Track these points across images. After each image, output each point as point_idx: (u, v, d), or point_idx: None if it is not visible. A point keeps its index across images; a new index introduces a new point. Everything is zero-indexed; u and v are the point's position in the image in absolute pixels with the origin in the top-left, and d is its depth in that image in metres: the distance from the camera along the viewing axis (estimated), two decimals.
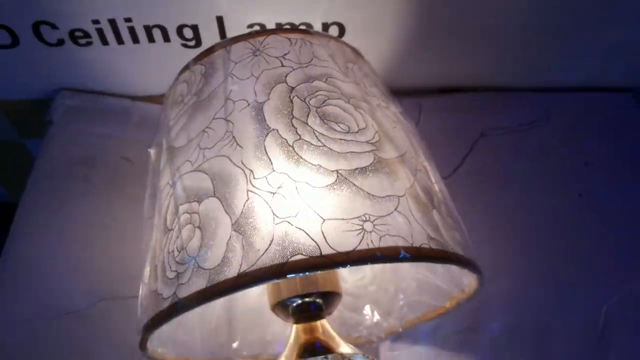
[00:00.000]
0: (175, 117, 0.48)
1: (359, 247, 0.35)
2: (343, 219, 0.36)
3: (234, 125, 0.42)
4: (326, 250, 0.35)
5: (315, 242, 0.35)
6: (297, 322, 0.46)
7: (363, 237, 0.36)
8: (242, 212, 0.37)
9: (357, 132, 0.42)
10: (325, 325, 0.46)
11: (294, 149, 0.39)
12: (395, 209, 0.38)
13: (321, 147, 0.40)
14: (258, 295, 0.58)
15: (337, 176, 0.38)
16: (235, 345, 0.56)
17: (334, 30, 0.69)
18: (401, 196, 0.39)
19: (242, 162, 0.39)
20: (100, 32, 0.67)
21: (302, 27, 0.68)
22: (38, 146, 0.79)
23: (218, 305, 0.57)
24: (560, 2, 0.67)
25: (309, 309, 0.46)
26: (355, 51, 0.53)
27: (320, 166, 0.39)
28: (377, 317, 0.58)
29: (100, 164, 0.69)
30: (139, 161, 0.68)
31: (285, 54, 0.46)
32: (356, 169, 0.39)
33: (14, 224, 0.64)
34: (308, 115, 0.41)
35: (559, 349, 0.58)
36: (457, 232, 0.43)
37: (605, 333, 0.59)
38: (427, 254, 0.37)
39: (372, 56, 0.60)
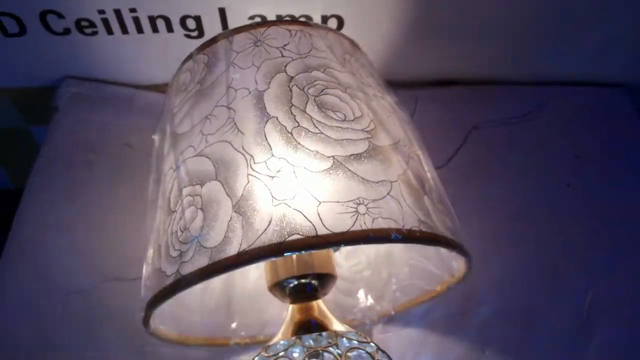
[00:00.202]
0: (179, 105, 0.50)
1: (353, 229, 0.37)
2: (338, 202, 0.38)
3: (235, 112, 0.44)
4: (322, 231, 0.37)
5: (312, 223, 0.37)
6: (293, 302, 0.48)
7: (357, 219, 0.38)
8: (242, 195, 0.39)
9: (353, 120, 0.44)
10: (320, 305, 0.48)
11: (292, 135, 0.41)
12: (388, 194, 0.40)
13: (318, 134, 0.41)
14: (256, 279, 0.60)
15: (333, 162, 0.40)
16: (233, 325, 0.58)
17: (332, 23, 0.70)
18: (394, 181, 0.41)
19: (242, 148, 0.41)
20: (105, 22, 0.69)
21: (302, 19, 0.70)
22: (43, 133, 0.81)
23: (217, 288, 0.59)
24: None
25: (305, 289, 0.48)
26: (352, 43, 0.55)
27: (317, 152, 0.40)
28: (370, 300, 0.60)
29: (103, 150, 0.71)
30: (142, 148, 0.70)
31: (285, 45, 0.48)
32: (351, 155, 0.41)
33: (20, 207, 0.66)
34: (306, 104, 0.43)
35: (544, 333, 0.60)
36: (448, 217, 0.45)
37: (590, 319, 0.61)
38: (417, 236, 0.39)
39: (369, 48, 0.62)
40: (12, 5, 0.66)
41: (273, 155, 0.40)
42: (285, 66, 0.46)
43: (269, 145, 0.41)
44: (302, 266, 0.47)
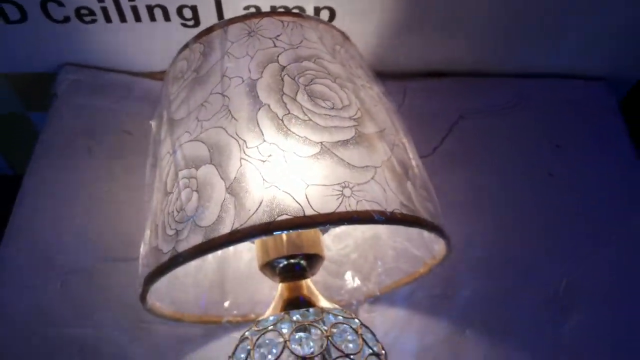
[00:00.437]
0: (176, 92, 0.52)
1: (338, 210, 0.39)
2: (325, 185, 0.41)
3: (229, 99, 0.46)
4: (309, 212, 0.39)
5: (300, 204, 0.39)
6: (282, 281, 0.51)
7: (342, 201, 0.40)
8: (235, 177, 0.41)
9: (341, 108, 0.46)
10: (308, 284, 0.51)
11: (283, 122, 0.43)
12: (372, 178, 0.42)
13: (308, 121, 0.44)
14: (248, 261, 0.62)
15: (321, 147, 0.42)
16: (226, 304, 0.61)
17: (325, 14, 0.72)
18: (378, 167, 0.44)
19: (236, 133, 0.43)
20: (104, 10, 0.70)
21: (295, 10, 0.72)
22: (42, 119, 0.83)
23: (211, 269, 0.61)
24: None
25: (294, 269, 0.50)
26: (343, 35, 0.57)
27: (307, 138, 0.43)
28: (357, 282, 0.63)
29: (102, 135, 0.73)
30: (139, 134, 0.72)
31: (278, 36, 0.50)
32: (338, 141, 0.43)
33: (21, 189, 0.68)
34: (297, 92, 0.45)
35: (523, 314, 0.63)
36: (430, 202, 0.48)
37: (565, 302, 0.64)
38: (398, 218, 0.42)
39: (360, 40, 0.64)
40: None
41: (265, 141, 0.43)
42: (278, 56, 0.48)
43: (261, 131, 0.43)
44: (291, 247, 0.49)
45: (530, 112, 0.78)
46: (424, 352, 0.60)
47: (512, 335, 0.62)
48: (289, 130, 0.43)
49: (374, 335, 0.47)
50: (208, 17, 0.72)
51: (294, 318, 0.46)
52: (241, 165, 0.42)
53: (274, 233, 0.40)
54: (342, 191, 0.41)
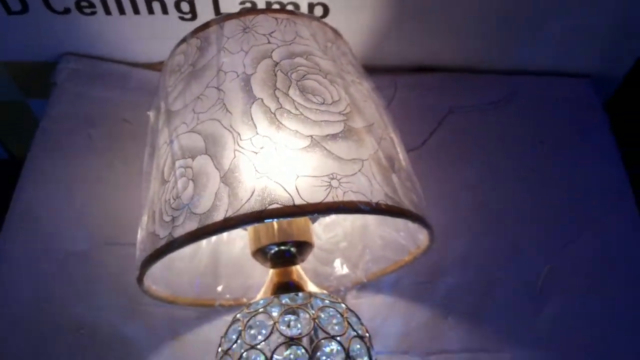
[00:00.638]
0: (173, 84, 0.54)
1: (326, 200, 0.42)
2: (314, 176, 0.43)
3: (224, 93, 0.48)
4: (298, 201, 0.41)
5: (290, 194, 0.42)
6: (273, 266, 0.53)
7: (330, 192, 0.42)
8: (229, 168, 0.44)
9: (331, 103, 0.48)
10: (298, 270, 0.53)
11: (275, 116, 0.46)
12: (359, 171, 0.45)
13: (299, 116, 0.46)
14: (241, 248, 0.65)
15: (311, 140, 0.45)
16: (219, 289, 0.63)
17: (318, 11, 0.74)
18: (365, 160, 0.46)
19: (230, 126, 0.46)
20: (104, 2, 0.72)
21: (290, 6, 0.74)
22: (40, 106, 0.84)
23: (205, 254, 0.63)
24: None
25: (284, 255, 0.52)
26: (335, 32, 0.59)
27: (297, 131, 0.45)
28: (345, 269, 0.65)
29: (101, 124, 0.75)
30: (137, 122, 0.74)
31: (272, 32, 0.52)
32: (328, 135, 0.45)
33: (22, 175, 0.70)
34: (289, 88, 0.47)
35: (502, 302, 0.65)
36: (414, 194, 0.50)
37: (543, 291, 0.67)
38: (383, 208, 0.44)
39: (353, 35, 0.65)
40: None
41: (257, 134, 0.45)
42: (272, 52, 0.50)
43: (254, 124, 0.45)
44: (282, 234, 0.52)
45: (517, 108, 0.81)
46: (408, 336, 0.63)
47: (492, 321, 0.65)
48: (281, 123, 0.45)
49: (358, 318, 0.49)
50: (205, 11, 0.74)
51: (284, 301, 0.48)
52: (235, 157, 0.44)
53: (265, 221, 0.42)
54: (330, 182, 0.43)
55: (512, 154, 0.77)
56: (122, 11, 0.73)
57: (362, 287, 0.66)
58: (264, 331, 0.46)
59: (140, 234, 0.51)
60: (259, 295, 0.52)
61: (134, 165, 0.67)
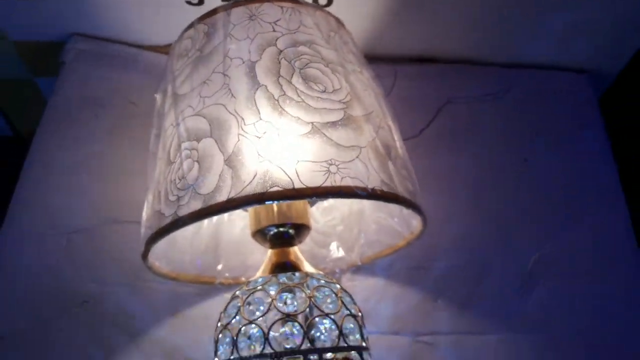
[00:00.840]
0: (180, 68, 0.55)
1: (324, 184, 0.44)
2: (313, 162, 0.45)
3: (230, 79, 0.50)
4: (298, 185, 0.43)
5: (290, 178, 0.44)
6: (272, 247, 0.55)
7: (328, 177, 0.44)
8: (233, 151, 0.46)
9: (332, 92, 0.50)
10: (295, 251, 0.55)
11: (278, 102, 0.47)
12: (357, 157, 0.47)
13: (301, 103, 0.48)
14: (242, 228, 0.67)
15: (312, 127, 0.47)
16: (219, 267, 0.66)
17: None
18: (363, 147, 0.48)
19: (235, 110, 0.47)
20: None
21: None
22: (48, 85, 0.86)
23: (207, 234, 0.65)
24: None
25: (282, 237, 0.55)
26: (338, 21, 0.61)
27: (299, 118, 0.47)
28: (341, 252, 0.67)
29: (107, 104, 0.76)
30: (143, 104, 0.76)
31: (277, 21, 0.54)
32: (328, 122, 0.47)
33: (30, 152, 0.72)
34: (292, 75, 0.49)
35: (491, 287, 0.68)
36: (409, 182, 0.52)
37: (531, 277, 0.69)
38: (378, 194, 0.46)
39: (356, 24, 0.66)
40: None
41: (261, 119, 0.47)
42: (276, 40, 0.52)
43: (258, 110, 0.47)
44: (281, 216, 0.54)
45: (514, 101, 0.83)
46: (399, 318, 0.66)
47: (480, 306, 0.68)
48: (284, 110, 0.47)
49: (352, 299, 0.52)
50: None
51: (281, 280, 0.50)
52: (239, 140, 0.46)
53: (266, 202, 0.44)
54: (328, 168, 0.45)
55: (507, 145, 0.79)
56: None
57: (357, 269, 0.68)
58: (262, 307, 0.48)
59: (145, 212, 0.53)
60: (258, 274, 0.54)
61: (139, 145, 0.69)
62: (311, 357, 0.46)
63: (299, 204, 0.55)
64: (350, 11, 0.75)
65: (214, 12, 0.56)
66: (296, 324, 0.47)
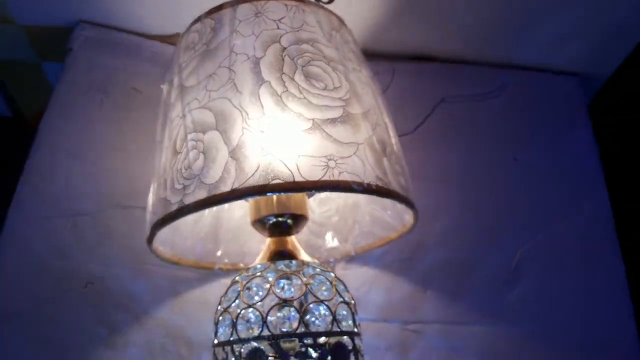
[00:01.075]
0: (187, 61, 0.57)
1: (323, 178, 0.46)
2: (313, 156, 0.47)
3: (235, 74, 0.52)
4: (298, 178, 0.46)
5: (291, 171, 0.46)
6: (270, 236, 0.58)
7: (327, 171, 0.47)
8: (237, 144, 0.48)
9: (333, 89, 0.52)
10: (293, 240, 0.58)
11: (281, 98, 0.50)
12: (354, 153, 0.49)
13: (302, 99, 0.50)
14: (241, 217, 0.69)
15: (313, 123, 0.49)
16: (219, 253, 0.68)
17: None
18: (360, 144, 0.50)
19: (240, 105, 0.50)
20: None
21: None
22: (54, 70, 0.88)
23: (207, 221, 0.68)
24: None
25: (281, 226, 0.57)
26: (340, 20, 0.63)
27: (301, 114, 0.49)
28: (336, 242, 0.70)
29: (112, 91, 0.78)
30: (147, 92, 0.77)
31: (282, 18, 0.56)
32: (328, 119, 0.50)
33: (36, 136, 0.74)
34: (295, 72, 0.51)
35: (477, 280, 0.71)
36: (402, 177, 0.54)
37: (516, 272, 0.72)
38: (373, 189, 0.48)
39: (356, 22, 0.68)
40: None
41: (264, 114, 0.49)
42: (280, 37, 0.54)
43: (261, 105, 0.49)
44: (280, 206, 0.56)
45: (505, 101, 0.85)
46: (390, 306, 0.69)
47: (467, 297, 0.70)
48: (286, 106, 0.49)
49: (345, 287, 0.54)
50: None
51: (279, 267, 0.53)
52: (243, 134, 0.48)
53: (268, 194, 0.47)
54: (327, 163, 0.47)
55: (497, 143, 0.81)
56: None
57: (350, 259, 0.71)
58: (260, 293, 0.51)
59: (151, 199, 0.55)
60: (257, 261, 0.56)
61: (143, 132, 0.71)
62: (306, 340, 0.49)
63: (298, 195, 0.57)
64: (351, 7, 0.77)
65: (220, 7, 0.58)
66: (292, 309, 0.50)
